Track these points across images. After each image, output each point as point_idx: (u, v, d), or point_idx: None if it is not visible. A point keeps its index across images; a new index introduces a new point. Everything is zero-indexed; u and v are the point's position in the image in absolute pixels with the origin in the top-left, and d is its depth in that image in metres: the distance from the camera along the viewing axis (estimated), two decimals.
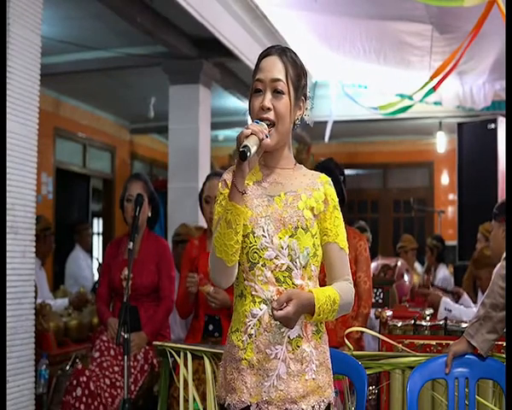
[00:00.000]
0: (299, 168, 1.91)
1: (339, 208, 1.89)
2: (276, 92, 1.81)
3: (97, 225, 9.36)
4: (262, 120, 1.79)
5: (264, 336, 1.75)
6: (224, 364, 1.82)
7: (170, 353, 2.81)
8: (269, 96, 1.81)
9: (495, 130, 5.88)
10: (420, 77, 6.31)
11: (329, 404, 1.83)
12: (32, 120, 3.55)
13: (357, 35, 6.12)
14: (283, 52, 1.86)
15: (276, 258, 1.77)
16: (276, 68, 1.82)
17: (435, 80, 5.54)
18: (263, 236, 1.77)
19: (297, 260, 1.78)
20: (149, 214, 3.71)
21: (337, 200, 1.89)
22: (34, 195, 3.60)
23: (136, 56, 5.95)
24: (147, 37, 5.32)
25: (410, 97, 6.79)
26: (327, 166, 3.36)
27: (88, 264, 6.85)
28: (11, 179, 3.33)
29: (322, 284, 1.88)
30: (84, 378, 3.31)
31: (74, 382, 3.33)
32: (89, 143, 8.55)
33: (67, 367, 4.13)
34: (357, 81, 7.63)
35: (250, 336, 1.76)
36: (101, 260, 6.06)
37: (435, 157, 10.02)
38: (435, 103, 7.40)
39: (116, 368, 3.46)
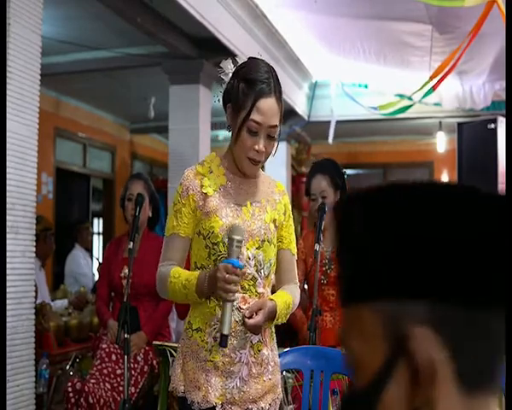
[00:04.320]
0: (258, 175, 2.01)
1: (291, 216, 2.05)
2: (270, 137, 1.88)
3: (97, 224, 9.36)
4: (254, 161, 1.87)
5: (229, 340, 1.82)
6: (183, 358, 1.89)
7: (170, 353, 2.81)
8: (264, 140, 1.87)
9: (495, 130, 5.88)
10: (420, 77, 6.31)
11: (281, 400, 1.99)
12: (32, 120, 3.55)
13: (357, 35, 6.12)
14: (275, 87, 1.87)
15: (240, 252, 1.85)
16: (274, 113, 1.87)
17: (435, 80, 5.54)
18: None
19: (262, 271, 1.89)
20: (150, 214, 3.71)
21: (290, 207, 2.06)
22: (34, 195, 3.60)
23: (136, 56, 5.95)
24: (147, 37, 5.32)
25: (410, 98, 6.79)
26: (324, 162, 3.38)
27: (88, 262, 6.85)
28: (11, 179, 3.33)
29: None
30: (80, 393, 3.28)
31: (71, 396, 3.29)
32: (89, 143, 8.55)
33: (67, 367, 4.13)
34: (357, 80, 7.63)
35: (215, 339, 1.84)
36: (101, 260, 6.07)
37: (435, 157, 10.03)
38: (435, 104, 7.40)
39: (118, 371, 3.46)
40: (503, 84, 6.62)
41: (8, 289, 3.18)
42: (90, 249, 7.29)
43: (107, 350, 3.53)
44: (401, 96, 7.06)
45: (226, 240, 1.83)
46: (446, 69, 5.20)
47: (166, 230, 1.92)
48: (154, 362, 3.55)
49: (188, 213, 1.88)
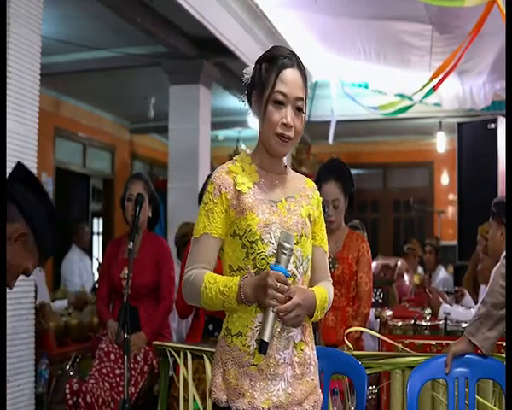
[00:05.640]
0: (288, 171, 1.95)
1: (322, 212, 1.97)
2: (297, 109, 1.82)
3: (97, 224, 9.36)
4: (283, 137, 1.80)
5: (272, 341, 1.75)
6: (224, 366, 1.81)
7: (170, 353, 2.81)
8: (291, 112, 1.81)
9: (495, 130, 5.88)
10: (420, 77, 6.31)
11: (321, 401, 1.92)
12: (32, 120, 3.55)
13: (357, 35, 6.11)
14: (300, 65, 1.85)
15: (289, 262, 1.77)
16: (299, 85, 1.82)
17: (435, 81, 5.54)
18: (270, 243, 1.78)
19: (300, 267, 1.82)
20: (150, 215, 3.71)
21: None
22: None
23: (136, 56, 5.95)
24: (147, 37, 5.32)
25: (411, 98, 6.78)
26: (337, 165, 3.37)
27: (85, 265, 6.84)
28: None
29: None
30: (79, 393, 3.28)
31: (69, 398, 3.29)
32: (89, 143, 8.55)
33: (67, 367, 4.13)
34: (357, 80, 7.62)
35: (257, 342, 1.75)
36: (101, 260, 6.07)
37: (435, 157, 10.03)
38: (435, 104, 7.40)
39: (117, 371, 3.46)
40: (503, 84, 6.62)
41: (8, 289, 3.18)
42: (87, 249, 7.26)
43: (105, 350, 3.53)
44: (401, 96, 7.06)
45: (264, 237, 1.78)
46: (447, 70, 5.20)
47: (196, 231, 1.84)
48: (154, 362, 3.55)
49: (220, 213, 1.82)
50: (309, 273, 1.87)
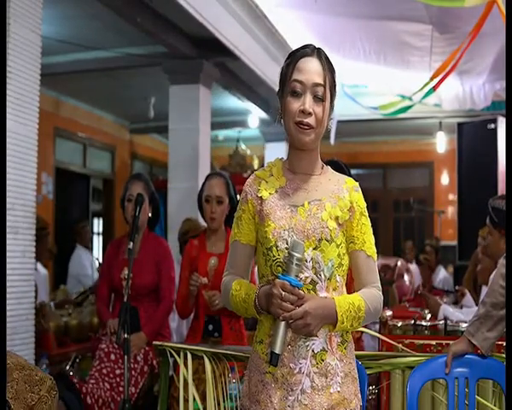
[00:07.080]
0: (325, 172, 1.86)
1: (366, 214, 1.85)
2: (316, 97, 1.77)
3: (97, 225, 9.36)
4: (302, 124, 1.74)
5: (288, 350, 1.73)
6: (249, 373, 1.82)
7: (170, 353, 2.81)
8: (310, 100, 1.75)
9: (495, 130, 5.88)
10: (420, 77, 6.31)
11: None
12: (32, 120, 3.56)
13: (357, 35, 6.12)
14: (320, 55, 1.80)
15: (300, 271, 1.73)
16: (316, 72, 1.77)
17: (435, 80, 5.55)
18: (286, 249, 1.74)
19: (321, 273, 1.75)
20: (150, 215, 3.71)
21: (365, 205, 1.85)
22: (34, 195, 3.60)
23: (136, 56, 5.95)
24: (147, 37, 5.33)
25: (410, 98, 6.79)
26: (337, 164, 3.34)
27: (90, 262, 6.87)
28: (11, 179, 3.33)
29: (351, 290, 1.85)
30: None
31: None
32: (89, 143, 8.55)
33: (67, 367, 4.13)
34: (357, 81, 7.63)
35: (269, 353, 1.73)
36: (101, 260, 6.07)
37: (435, 157, 10.04)
38: (435, 105, 7.40)
39: (117, 371, 3.46)
40: (503, 84, 6.62)
41: (8, 290, 3.18)
42: (90, 248, 7.31)
43: (105, 350, 3.53)
44: (402, 96, 7.07)
45: (279, 244, 1.75)
46: (447, 70, 5.20)
47: (230, 237, 1.90)
48: (154, 362, 3.55)
49: (248, 220, 1.84)
50: (337, 279, 1.78)
